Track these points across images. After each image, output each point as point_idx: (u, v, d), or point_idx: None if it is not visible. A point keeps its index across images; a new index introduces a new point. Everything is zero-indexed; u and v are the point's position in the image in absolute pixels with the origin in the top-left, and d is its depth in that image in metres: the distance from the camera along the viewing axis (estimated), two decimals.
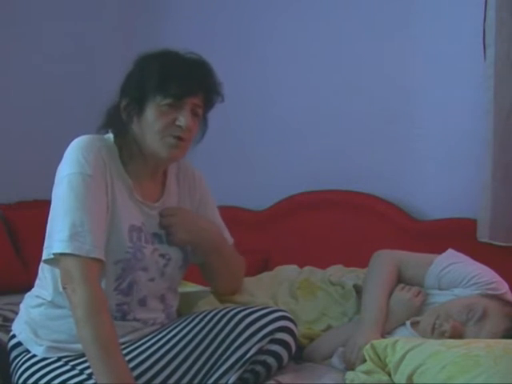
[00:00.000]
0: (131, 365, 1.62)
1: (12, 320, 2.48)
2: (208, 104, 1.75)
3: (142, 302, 1.72)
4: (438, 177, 2.74)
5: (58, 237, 1.58)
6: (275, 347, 1.71)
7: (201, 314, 1.76)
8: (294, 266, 2.27)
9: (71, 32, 3.47)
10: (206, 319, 1.72)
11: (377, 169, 2.89)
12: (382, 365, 1.70)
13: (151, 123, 1.67)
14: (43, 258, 1.65)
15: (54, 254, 1.59)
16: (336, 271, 2.23)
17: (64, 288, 1.56)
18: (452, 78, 2.68)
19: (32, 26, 3.39)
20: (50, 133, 3.40)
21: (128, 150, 1.73)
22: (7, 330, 2.33)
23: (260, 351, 1.69)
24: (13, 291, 2.91)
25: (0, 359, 1.91)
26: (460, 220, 2.64)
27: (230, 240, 1.95)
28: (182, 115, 1.67)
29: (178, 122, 1.66)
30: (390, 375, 1.67)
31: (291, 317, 1.78)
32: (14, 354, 1.75)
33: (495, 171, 2.45)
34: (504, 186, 2.46)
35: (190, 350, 1.67)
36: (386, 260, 2.04)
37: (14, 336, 1.77)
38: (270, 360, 1.71)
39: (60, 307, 1.66)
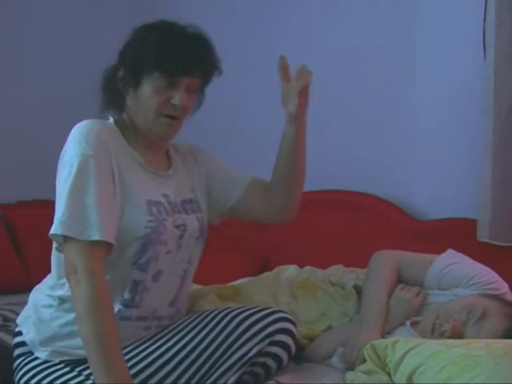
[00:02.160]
0: (130, 363, 1.62)
1: (12, 320, 2.49)
2: (206, 79, 1.72)
3: (156, 277, 1.67)
4: (438, 177, 2.74)
5: (57, 218, 1.54)
6: (275, 349, 1.71)
7: (202, 313, 1.75)
8: (294, 266, 2.27)
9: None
10: (206, 319, 1.71)
11: (377, 169, 2.89)
12: (382, 365, 1.70)
13: (146, 99, 1.64)
14: (54, 246, 1.64)
15: (52, 235, 1.55)
16: (336, 271, 2.23)
17: (68, 279, 1.53)
18: (452, 78, 2.68)
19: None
20: (50, 133, 3.39)
21: (130, 129, 1.71)
22: (7, 329, 2.34)
23: (260, 353, 1.68)
24: (13, 291, 2.92)
25: (0, 359, 1.91)
26: (460, 220, 2.63)
27: (249, 175, 1.91)
28: (178, 94, 1.64)
29: (172, 101, 1.64)
30: (389, 375, 1.67)
31: (291, 318, 1.78)
32: (18, 351, 1.73)
33: (495, 171, 2.45)
34: (504, 186, 2.46)
35: (190, 349, 1.66)
36: (386, 260, 2.04)
37: (20, 333, 1.74)
38: (270, 362, 1.71)
39: (68, 311, 1.63)
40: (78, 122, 1.68)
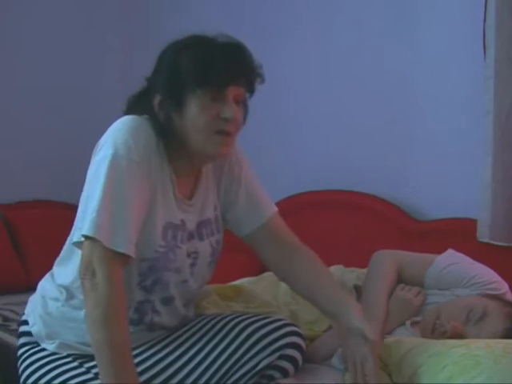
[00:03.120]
0: (141, 368, 1.60)
1: (12, 320, 2.49)
2: (250, 89, 1.60)
3: (167, 301, 1.63)
4: (438, 177, 2.74)
5: (91, 218, 1.44)
6: (283, 363, 1.69)
7: (212, 320, 1.73)
8: None
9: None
10: (217, 327, 1.69)
11: (377, 169, 2.89)
12: (382, 365, 1.70)
13: (194, 120, 1.52)
14: (74, 239, 1.53)
15: (83, 235, 1.46)
16: (336, 271, 2.22)
17: (82, 279, 1.46)
18: (452, 79, 2.68)
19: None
20: (50, 133, 3.40)
21: (174, 145, 1.58)
22: (7, 329, 2.34)
23: (268, 366, 1.67)
24: (13, 291, 2.92)
25: (0, 359, 1.91)
26: (460, 220, 2.64)
27: (274, 208, 1.78)
28: (227, 107, 1.52)
29: (222, 115, 1.52)
30: (390, 375, 1.67)
31: (300, 331, 1.76)
32: (23, 340, 1.70)
33: (495, 171, 2.46)
34: (504, 186, 2.46)
35: (202, 357, 1.64)
36: (386, 260, 2.04)
37: (26, 322, 1.70)
38: (277, 375, 1.70)
39: (75, 308, 1.60)
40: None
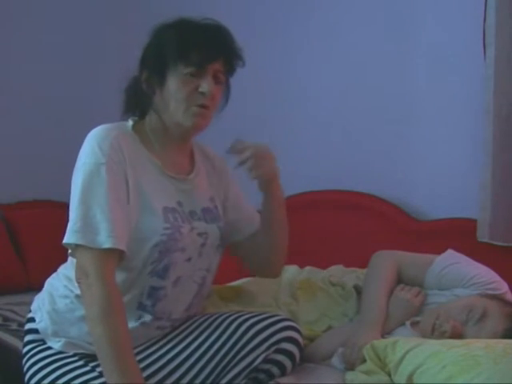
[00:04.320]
0: (143, 364, 1.62)
1: (12, 320, 2.50)
2: (230, 69, 1.70)
3: (175, 283, 1.66)
4: (437, 177, 2.74)
5: (70, 227, 1.54)
6: (280, 357, 1.72)
7: (210, 317, 1.75)
8: (295, 266, 2.27)
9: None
10: (214, 324, 1.72)
11: (377, 169, 2.89)
12: (382, 365, 1.70)
13: (174, 92, 1.62)
14: (69, 252, 1.63)
15: (66, 244, 1.55)
16: (336, 271, 2.23)
17: (79, 283, 1.54)
18: (452, 78, 2.68)
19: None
20: (49, 133, 3.40)
21: (151, 128, 1.69)
22: (7, 329, 2.34)
23: (265, 360, 1.69)
24: (13, 291, 2.92)
25: (0, 358, 1.91)
26: (460, 220, 2.63)
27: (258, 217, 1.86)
28: (205, 82, 1.62)
29: (201, 89, 1.62)
30: (389, 375, 1.67)
31: (297, 327, 1.78)
32: (29, 337, 1.71)
33: (495, 171, 2.45)
34: (504, 186, 2.46)
35: (201, 353, 1.67)
36: (386, 260, 2.04)
37: (33, 319, 1.72)
38: (274, 369, 1.72)
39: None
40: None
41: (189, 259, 1.67)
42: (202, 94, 1.62)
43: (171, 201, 1.66)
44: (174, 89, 1.62)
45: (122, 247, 1.54)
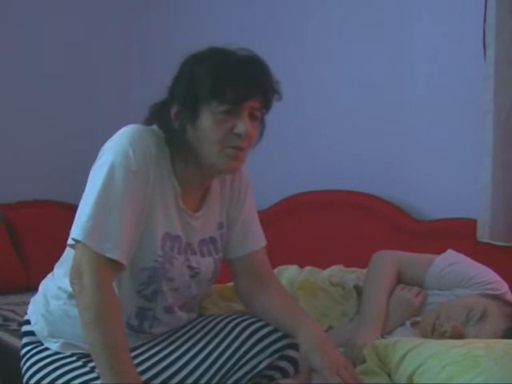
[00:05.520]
0: (142, 367, 1.61)
1: (12, 320, 2.50)
2: (267, 105, 1.59)
3: (169, 310, 1.65)
4: (438, 177, 2.74)
5: (81, 222, 1.47)
6: (284, 364, 1.69)
7: (213, 320, 1.73)
8: (295, 266, 2.27)
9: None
10: (218, 327, 1.70)
11: (377, 169, 2.89)
12: (382, 365, 1.69)
13: (207, 133, 1.52)
14: (68, 242, 1.54)
15: (73, 239, 1.49)
16: (336, 271, 2.23)
17: (72, 282, 1.49)
18: (452, 78, 2.68)
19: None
20: (50, 133, 3.40)
21: (182, 157, 1.59)
22: (7, 329, 2.34)
23: (268, 366, 1.67)
24: (13, 291, 2.93)
25: (0, 359, 1.91)
26: (460, 220, 2.63)
27: (264, 242, 1.79)
28: (241, 122, 1.52)
29: (236, 130, 1.51)
30: (390, 375, 1.67)
31: None
32: (26, 340, 1.70)
33: (495, 171, 2.45)
34: (504, 186, 2.46)
35: (203, 357, 1.65)
36: (386, 260, 2.04)
37: (28, 322, 1.70)
38: (277, 375, 1.70)
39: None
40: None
41: (176, 289, 1.64)
42: (238, 135, 1.52)
43: (175, 229, 1.61)
44: (208, 128, 1.52)
45: (124, 262, 1.49)
